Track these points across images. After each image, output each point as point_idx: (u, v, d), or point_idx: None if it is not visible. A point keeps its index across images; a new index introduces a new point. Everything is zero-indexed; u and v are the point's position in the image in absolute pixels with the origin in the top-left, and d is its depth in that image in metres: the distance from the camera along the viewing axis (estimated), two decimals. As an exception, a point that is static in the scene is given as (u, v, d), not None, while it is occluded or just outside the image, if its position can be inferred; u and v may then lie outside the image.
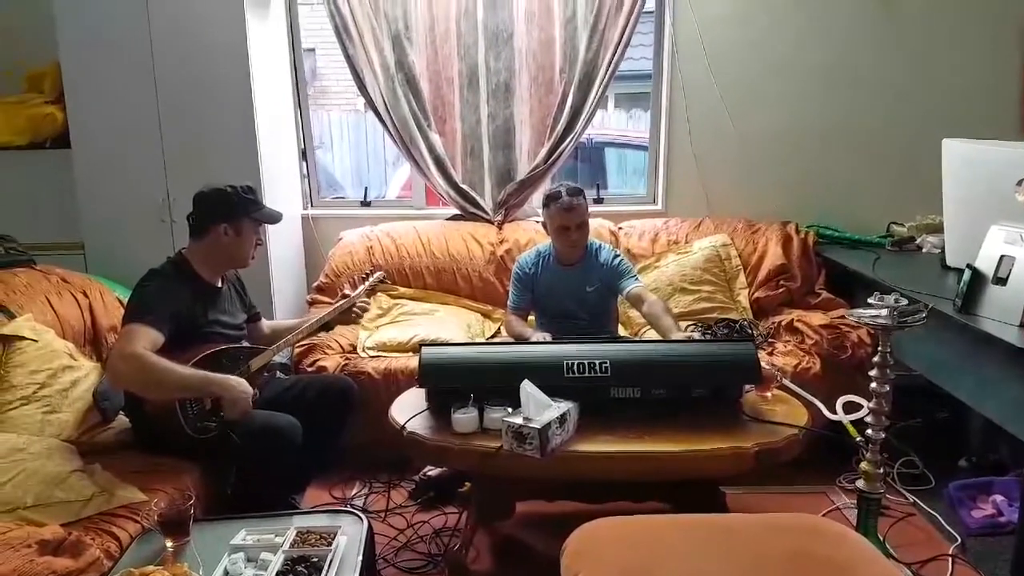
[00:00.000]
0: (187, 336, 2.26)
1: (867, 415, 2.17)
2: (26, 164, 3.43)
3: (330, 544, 1.71)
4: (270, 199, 3.10)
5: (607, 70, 3.50)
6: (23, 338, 2.34)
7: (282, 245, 3.57)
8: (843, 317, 3.08)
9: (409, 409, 2.31)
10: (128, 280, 2.85)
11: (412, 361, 2.87)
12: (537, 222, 3.63)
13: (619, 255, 2.97)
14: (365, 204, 4.00)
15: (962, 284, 2.41)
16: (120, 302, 2.81)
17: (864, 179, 3.73)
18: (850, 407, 2.22)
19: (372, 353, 3.03)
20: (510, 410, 2.12)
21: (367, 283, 2.75)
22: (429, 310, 3.33)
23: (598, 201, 3.92)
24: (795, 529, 1.79)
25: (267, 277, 3.41)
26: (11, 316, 2.39)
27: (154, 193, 3.35)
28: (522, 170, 3.66)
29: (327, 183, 4.37)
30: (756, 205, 3.71)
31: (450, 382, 2.26)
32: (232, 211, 2.36)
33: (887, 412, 2.16)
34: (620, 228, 3.65)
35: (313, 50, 5.43)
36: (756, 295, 3.37)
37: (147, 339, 2.10)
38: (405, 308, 3.33)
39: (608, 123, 5.18)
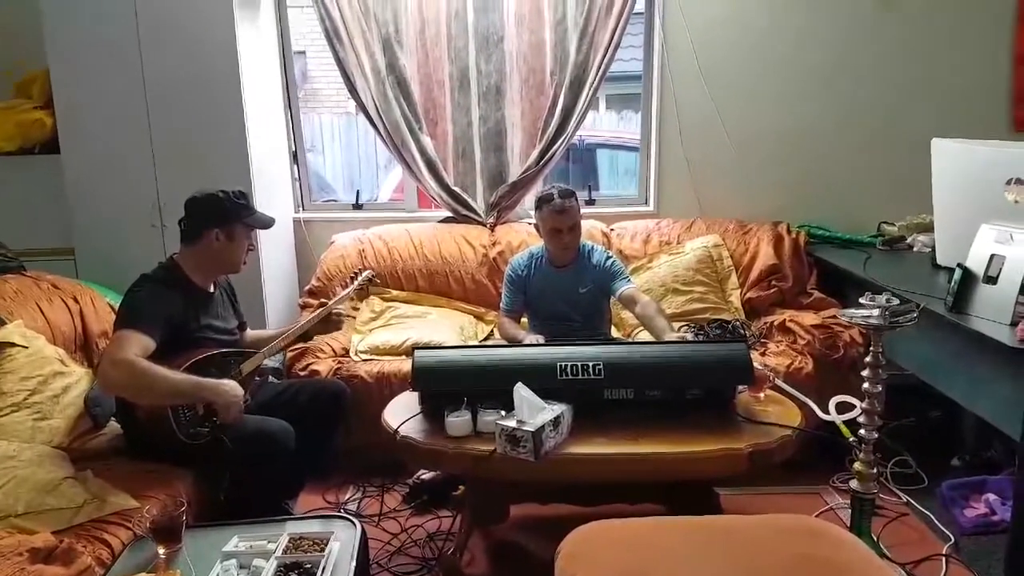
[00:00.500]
0: (179, 341, 2.25)
1: (860, 415, 2.18)
2: (15, 170, 3.41)
3: (323, 550, 1.71)
4: (261, 203, 3.10)
5: (598, 72, 3.51)
6: (13, 344, 2.32)
7: (274, 249, 3.56)
8: (835, 317, 3.09)
9: (402, 413, 2.31)
10: (119, 285, 2.84)
11: (405, 364, 2.88)
12: (529, 224, 3.63)
13: (611, 256, 2.97)
14: (357, 207, 3.99)
15: (953, 283, 2.42)
16: (111, 308, 2.79)
17: (854, 178, 3.74)
18: (843, 407, 2.22)
19: (365, 356, 3.02)
20: (503, 413, 2.12)
21: (356, 283, 2.77)
22: (422, 313, 3.32)
23: (590, 202, 3.93)
24: (792, 531, 1.79)
25: (259, 281, 3.40)
26: (1, 323, 2.37)
27: (145, 198, 3.33)
28: (514, 172, 3.66)
29: (318, 186, 4.36)
30: (747, 205, 3.72)
31: (443, 385, 2.26)
32: (224, 216, 2.36)
33: (880, 412, 2.17)
34: (612, 229, 3.65)
35: (303, 53, 5.43)
36: (748, 295, 3.38)
37: (138, 345, 2.09)
38: (398, 311, 3.32)
39: (599, 124, 5.20)
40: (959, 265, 2.42)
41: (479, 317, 3.43)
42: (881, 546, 2.39)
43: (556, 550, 1.74)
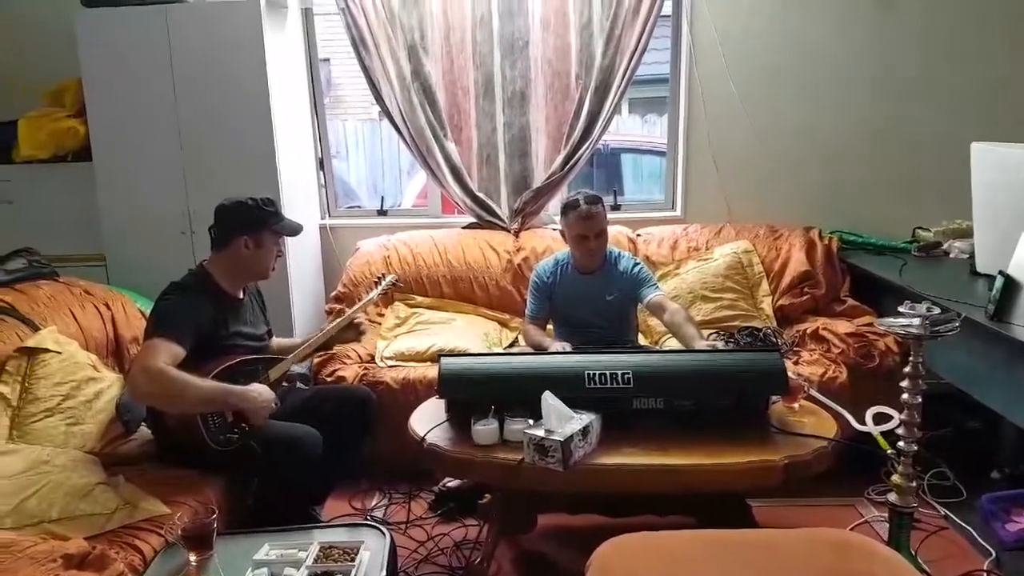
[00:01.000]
0: (209, 349, 2.25)
1: (898, 427, 2.12)
2: (48, 177, 3.46)
3: (353, 559, 1.70)
4: (289, 210, 3.11)
5: (624, 76, 3.48)
6: (47, 350, 2.34)
7: (300, 255, 3.57)
8: (870, 325, 3.03)
9: (428, 420, 2.30)
10: (149, 291, 2.87)
11: (430, 371, 2.88)
12: (554, 230, 3.62)
13: (639, 263, 2.94)
14: (382, 213, 4.00)
15: (994, 291, 2.36)
16: (142, 313, 2.82)
17: (887, 183, 3.67)
18: (880, 418, 2.17)
19: (390, 363, 3.02)
20: (531, 422, 2.09)
21: (380, 287, 2.77)
22: (446, 319, 3.31)
23: (615, 208, 3.89)
24: (829, 546, 1.75)
25: (286, 287, 3.41)
26: (35, 328, 2.40)
27: (174, 205, 3.36)
28: (538, 178, 3.65)
29: (343, 192, 4.37)
30: (777, 211, 3.67)
31: (470, 393, 2.24)
32: (253, 224, 2.36)
33: (919, 424, 2.11)
34: (638, 235, 3.62)
35: (328, 60, 5.45)
36: (780, 302, 3.32)
37: (168, 353, 2.10)
38: (422, 317, 3.31)
39: (622, 128, 5.15)
40: (1001, 272, 2.36)
41: (503, 324, 3.41)
42: (920, 561, 2.33)
43: (586, 563, 1.70)
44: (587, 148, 3.55)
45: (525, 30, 3.50)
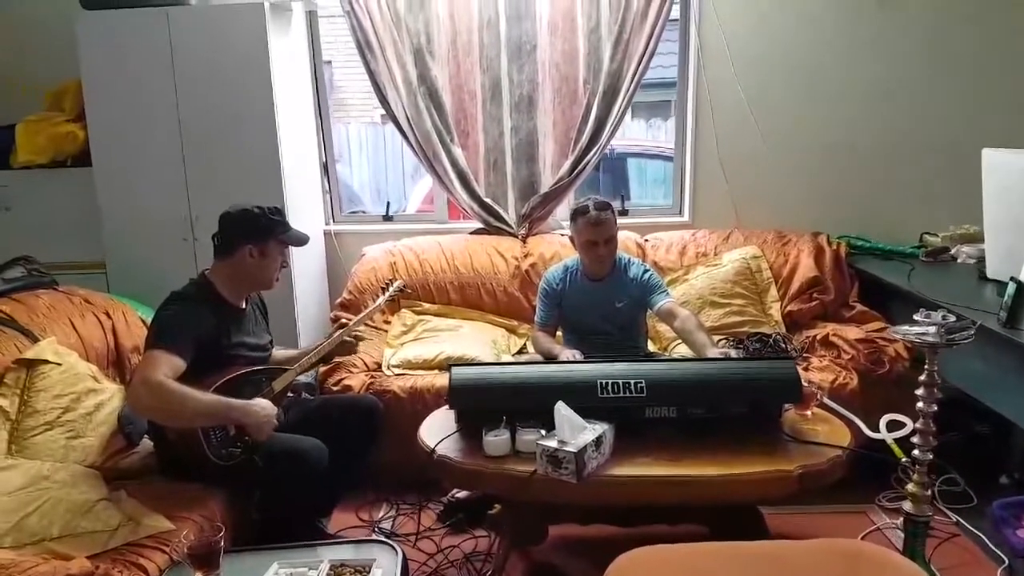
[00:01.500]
0: (211, 360, 2.21)
1: (914, 435, 2.09)
2: (47, 183, 3.41)
3: (365, 578, 1.66)
4: (292, 215, 3.05)
5: (632, 81, 3.45)
6: (46, 362, 2.30)
7: (305, 262, 3.54)
8: (879, 330, 3.01)
9: (438, 431, 2.26)
10: (150, 299, 2.83)
11: (438, 379, 2.84)
12: (562, 235, 3.59)
13: (649, 269, 2.91)
14: (387, 219, 3.96)
15: (1007, 297, 2.33)
16: (143, 322, 2.78)
17: (894, 188, 3.65)
18: (893, 425, 2.14)
19: (397, 371, 2.98)
20: (543, 432, 2.06)
21: (387, 294, 2.73)
22: (454, 326, 3.28)
23: (623, 213, 3.86)
24: (843, 556, 1.71)
25: (291, 295, 3.37)
26: (34, 339, 2.36)
27: (176, 211, 3.32)
28: (546, 183, 3.62)
29: (346, 197, 4.34)
30: (785, 216, 3.64)
31: (481, 404, 2.21)
32: (258, 232, 2.32)
33: (934, 432, 2.08)
34: (647, 240, 3.59)
35: (330, 62, 5.42)
36: (789, 308, 3.29)
37: (168, 366, 2.06)
38: (429, 324, 3.28)
39: (626, 133, 5.13)
40: (1013, 279, 2.33)
41: (511, 330, 3.38)
42: (933, 569, 2.30)
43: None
44: (595, 153, 3.52)
45: (532, 34, 3.47)
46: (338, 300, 3.47)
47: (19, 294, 2.59)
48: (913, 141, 3.60)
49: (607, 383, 2.17)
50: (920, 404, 2.08)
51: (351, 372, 2.93)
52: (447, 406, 2.31)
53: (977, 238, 3.24)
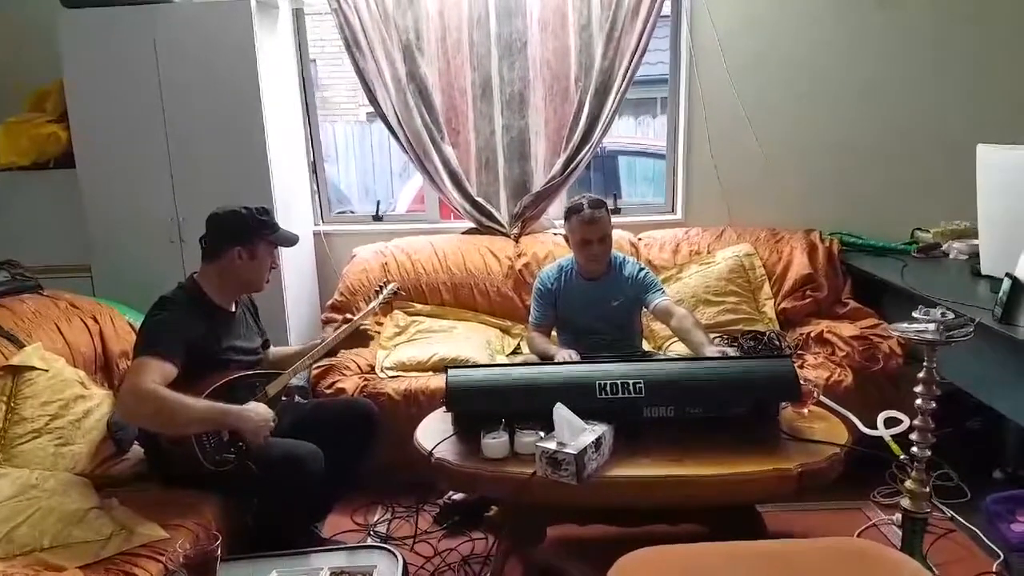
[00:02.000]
0: (202, 365, 2.17)
1: (912, 432, 2.09)
2: (30, 185, 3.35)
3: (366, 585, 1.63)
4: (281, 216, 3.03)
5: (624, 78, 3.43)
6: (33, 368, 2.25)
7: (294, 263, 3.49)
8: (873, 327, 3.01)
9: (434, 433, 2.23)
10: (137, 303, 2.80)
11: (433, 381, 2.82)
12: (555, 234, 3.57)
13: (644, 268, 2.90)
14: (377, 219, 3.92)
15: (1002, 293, 2.34)
16: (131, 326, 2.73)
17: (886, 185, 3.65)
18: (890, 423, 2.14)
19: (391, 373, 2.94)
20: (542, 434, 2.04)
21: (381, 297, 2.70)
22: (447, 327, 3.25)
23: (615, 211, 3.83)
24: (848, 556, 1.71)
25: (280, 297, 3.33)
26: (20, 345, 2.30)
27: (163, 213, 3.27)
28: (538, 182, 3.59)
29: (334, 197, 4.30)
30: (777, 213, 3.64)
31: (479, 406, 2.18)
32: (247, 234, 2.29)
33: (933, 429, 2.08)
34: (640, 239, 3.58)
35: (314, 61, 5.37)
36: (782, 305, 3.29)
37: (159, 373, 2.02)
38: (422, 325, 3.24)
39: (616, 131, 5.12)
40: (1008, 275, 2.33)
41: (505, 331, 3.35)
42: (930, 564, 2.30)
43: (603, 577, 1.65)
44: (587, 151, 3.50)
45: (523, 31, 3.44)
46: (329, 302, 3.43)
47: (3, 299, 2.53)
48: (904, 138, 3.61)
49: (605, 383, 2.15)
50: (919, 401, 2.08)
51: (344, 375, 2.90)
52: (443, 408, 2.28)
53: (968, 234, 3.25)
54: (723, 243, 3.49)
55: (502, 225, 3.61)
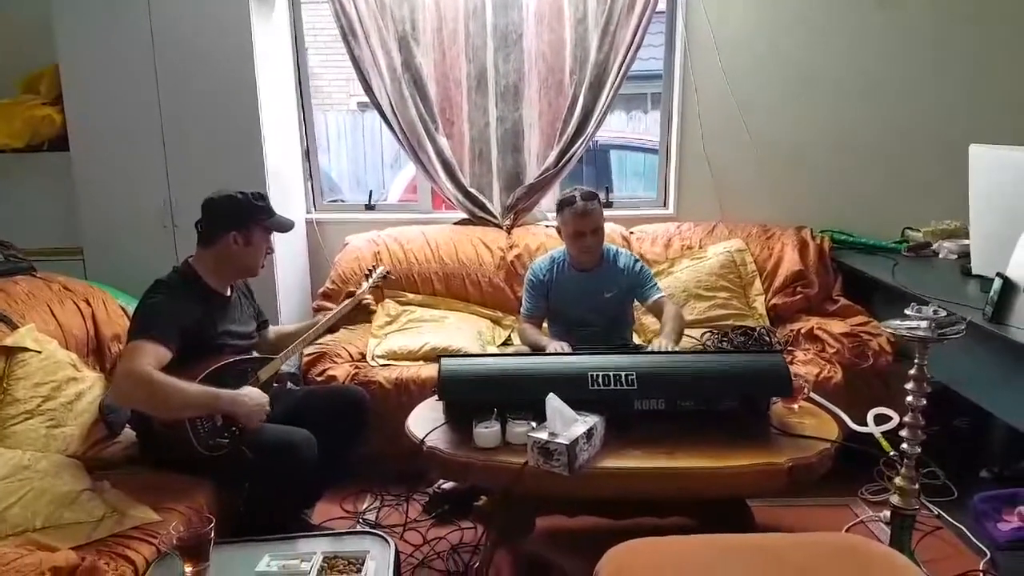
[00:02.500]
0: (197, 349, 2.17)
1: (902, 429, 2.11)
2: (23, 167, 3.33)
3: (359, 570, 1.64)
4: (275, 203, 2.99)
5: (619, 72, 3.44)
6: (26, 349, 2.23)
7: (286, 251, 3.48)
8: (863, 324, 3.04)
9: (426, 422, 2.24)
10: (129, 287, 2.79)
11: (424, 370, 2.83)
12: (547, 226, 3.58)
13: (639, 261, 2.91)
14: (369, 208, 3.92)
15: (992, 293, 2.36)
16: (123, 310, 2.72)
17: (877, 183, 3.69)
18: (879, 419, 2.16)
19: (382, 362, 2.95)
20: (534, 424, 2.05)
21: (372, 279, 2.70)
22: (438, 317, 3.25)
23: (607, 205, 3.85)
24: (839, 550, 1.73)
25: (272, 284, 3.32)
26: (13, 326, 2.29)
27: (156, 197, 3.26)
28: (531, 174, 3.60)
29: (326, 186, 4.28)
30: (768, 209, 3.66)
31: (472, 395, 2.19)
32: (242, 219, 2.28)
33: (923, 426, 2.10)
34: (632, 232, 3.59)
35: (306, 49, 5.34)
36: (773, 301, 3.32)
37: (153, 356, 2.01)
38: (414, 315, 3.25)
39: (608, 125, 5.12)
40: (999, 275, 2.36)
41: (496, 321, 3.36)
42: (918, 560, 2.33)
43: (593, 568, 1.66)
44: (581, 144, 3.51)
45: (519, 23, 3.44)
46: (321, 290, 3.43)
47: (-3, 280, 2.52)
48: (896, 137, 3.64)
49: (598, 375, 2.17)
50: (909, 398, 2.09)
51: (335, 362, 2.90)
52: (435, 397, 2.29)
53: (958, 234, 3.29)
54: (715, 238, 3.52)
55: (495, 216, 3.62)
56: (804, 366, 2.85)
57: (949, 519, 2.64)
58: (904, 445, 2.11)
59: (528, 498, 2.25)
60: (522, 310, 2.95)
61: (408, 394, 2.74)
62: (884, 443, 2.21)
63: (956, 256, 3.21)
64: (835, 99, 3.62)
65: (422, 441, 2.14)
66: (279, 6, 3.47)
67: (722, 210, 3.69)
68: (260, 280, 2.56)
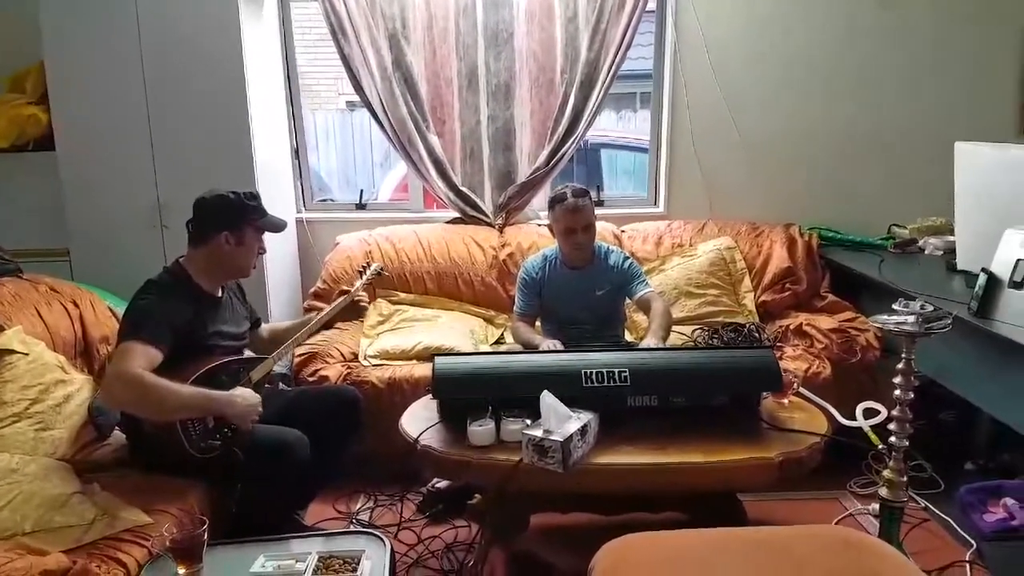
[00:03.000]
0: (188, 350, 2.15)
1: (890, 422, 2.14)
2: (8, 167, 3.30)
3: (355, 570, 1.64)
4: (265, 202, 3.00)
5: (609, 71, 3.45)
6: (13, 351, 2.21)
7: (277, 251, 3.45)
8: (851, 320, 3.06)
9: (420, 421, 2.24)
10: (116, 289, 2.76)
11: (416, 369, 2.82)
12: (538, 225, 3.58)
13: (629, 258, 2.92)
14: (360, 207, 3.91)
15: (977, 288, 2.39)
16: (112, 312, 2.69)
17: (864, 181, 3.72)
18: (868, 413, 2.18)
19: (375, 361, 2.94)
20: (528, 422, 2.06)
21: (365, 276, 2.70)
22: (431, 316, 3.25)
23: (598, 203, 3.86)
24: (831, 542, 1.74)
25: (263, 284, 3.30)
26: (0, 329, 2.26)
27: (144, 197, 3.23)
28: (522, 173, 3.60)
29: (316, 186, 4.27)
30: (757, 207, 3.69)
31: (466, 393, 2.19)
32: (234, 218, 2.26)
33: (911, 420, 2.13)
34: (623, 231, 3.61)
35: (295, 47, 5.31)
36: (762, 298, 3.34)
37: (145, 358, 2.00)
38: (406, 314, 3.24)
39: (597, 124, 5.13)
40: (984, 270, 2.39)
41: (489, 320, 3.36)
42: (906, 552, 2.36)
43: (588, 564, 1.67)
44: (572, 143, 3.52)
45: (510, 21, 3.44)
46: (312, 290, 3.42)
47: (-18, 281, 2.49)
48: (883, 136, 3.68)
49: (591, 372, 2.18)
50: (897, 392, 2.11)
51: (327, 362, 2.89)
52: (429, 396, 2.29)
53: (944, 230, 3.32)
54: (705, 236, 3.53)
55: (486, 215, 3.62)
56: (793, 362, 2.87)
57: (936, 511, 2.67)
58: (892, 438, 2.14)
59: (522, 496, 2.25)
60: (515, 308, 2.96)
61: (401, 394, 2.74)
62: (873, 437, 2.23)
63: (941, 252, 3.24)
64: (824, 98, 3.65)
65: (416, 440, 2.14)
66: (268, 3, 3.45)
67: (712, 208, 3.71)
68: (250, 280, 2.55)
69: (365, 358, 2.96)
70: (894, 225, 3.58)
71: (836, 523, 2.61)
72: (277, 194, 3.52)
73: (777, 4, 3.56)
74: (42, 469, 2.00)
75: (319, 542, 1.82)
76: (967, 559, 2.41)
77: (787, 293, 3.32)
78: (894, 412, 2.13)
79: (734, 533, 1.82)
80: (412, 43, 3.47)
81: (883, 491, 2.19)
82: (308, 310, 3.26)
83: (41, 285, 2.60)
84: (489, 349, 3.08)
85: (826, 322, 3.06)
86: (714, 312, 3.25)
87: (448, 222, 3.67)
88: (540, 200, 3.64)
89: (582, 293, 2.84)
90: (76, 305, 2.61)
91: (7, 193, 3.30)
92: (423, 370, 2.76)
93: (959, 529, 2.55)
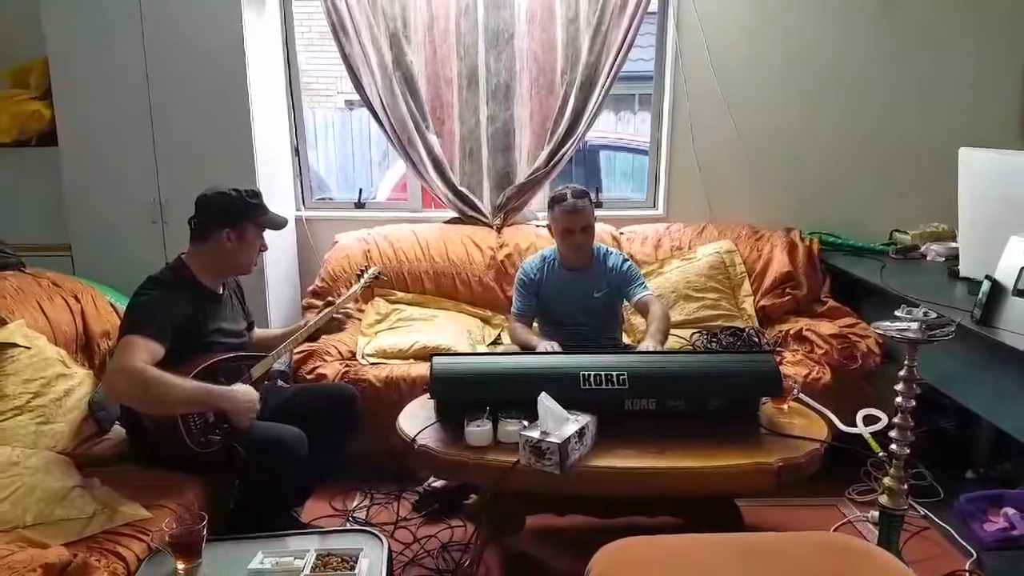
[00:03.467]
0: (188, 346, 2.15)
1: (891, 430, 2.13)
2: (11, 163, 3.30)
3: (352, 568, 1.64)
4: (266, 200, 3.00)
5: (610, 72, 3.45)
6: (15, 345, 2.22)
7: (276, 248, 3.41)
8: (851, 326, 3.06)
9: (417, 420, 2.24)
10: (117, 284, 2.77)
11: (414, 369, 2.83)
12: (537, 226, 3.58)
13: (628, 260, 2.92)
14: (359, 206, 3.91)
15: (981, 295, 2.38)
16: (113, 307, 2.70)
17: (865, 186, 3.72)
18: (868, 420, 2.18)
19: (372, 360, 2.94)
20: (526, 423, 2.06)
21: (363, 280, 2.70)
22: (428, 315, 3.25)
23: (597, 205, 3.85)
24: (829, 549, 1.75)
25: (262, 282, 3.30)
26: (2, 322, 2.27)
27: (145, 193, 3.23)
28: (521, 173, 3.60)
29: (315, 184, 4.27)
30: (757, 211, 3.69)
31: (464, 394, 2.19)
32: (236, 216, 2.27)
33: (912, 427, 2.12)
34: (622, 233, 3.60)
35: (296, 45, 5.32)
36: (761, 303, 3.34)
37: (147, 352, 2.00)
38: (404, 314, 3.25)
39: (597, 125, 5.13)
40: (988, 277, 2.38)
41: (486, 320, 3.36)
42: (906, 560, 2.35)
43: (585, 567, 1.67)
44: (571, 145, 3.52)
45: (511, 22, 3.45)
46: (310, 288, 3.42)
47: (-15, 275, 2.50)
48: (884, 140, 3.68)
49: (589, 375, 2.17)
50: (899, 399, 2.10)
51: (325, 360, 2.89)
52: (426, 395, 2.29)
53: (946, 236, 3.33)
54: (704, 239, 3.53)
55: (485, 215, 3.62)
56: (793, 367, 2.87)
57: (935, 519, 2.66)
58: (893, 446, 2.13)
59: (518, 497, 2.26)
60: (512, 309, 2.95)
61: (398, 392, 2.74)
62: (873, 444, 2.23)
63: (943, 259, 3.24)
64: (825, 102, 3.65)
65: (413, 439, 2.14)
66: (270, 1, 3.45)
67: (711, 211, 3.71)
68: (249, 277, 2.55)
69: (363, 356, 2.96)
70: (896, 231, 3.57)
71: (834, 530, 2.61)
72: (277, 192, 3.51)
73: (780, 7, 3.56)
74: (43, 462, 2.01)
75: (317, 539, 1.82)
76: (967, 569, 2.40)
77: (787, 298, 3.32)
78: (896, 419, 2.12)
79: (731, 538, 1.83)
80: (413, 43, 3.47)
81: (883, 499, 2.19)
82: (306, 308, 3.26)
83: (43, 279, 2.61)
84: (486, 349, 3.08)
85: (826, 327, 3.05)
86: (713, 316, 3.25)
87: (446, 222, 3.67)
88: (539, 201, 3.64)
89: (580, 295, 2.84)
90: (77, 300, 2.62)
91: (10, 188, 3.30)
92: (420, 369, 2.76)
93: (959, 538, 2.55)
